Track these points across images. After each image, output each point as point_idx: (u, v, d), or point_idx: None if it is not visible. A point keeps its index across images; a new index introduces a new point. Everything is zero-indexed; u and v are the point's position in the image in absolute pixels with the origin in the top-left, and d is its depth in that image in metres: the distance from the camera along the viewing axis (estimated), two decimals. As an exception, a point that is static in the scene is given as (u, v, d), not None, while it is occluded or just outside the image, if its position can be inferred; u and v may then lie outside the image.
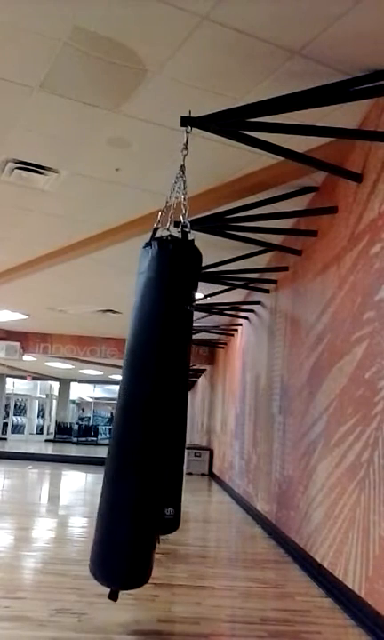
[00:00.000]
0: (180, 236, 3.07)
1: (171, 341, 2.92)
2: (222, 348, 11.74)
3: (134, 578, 2.91)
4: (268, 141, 3.49)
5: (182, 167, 3.11)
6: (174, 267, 2.99)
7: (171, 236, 3.06)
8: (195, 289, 3.17)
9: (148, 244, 3.03)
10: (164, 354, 2.90)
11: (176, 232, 3.12)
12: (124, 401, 2.92)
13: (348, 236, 4.04)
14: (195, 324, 4.26)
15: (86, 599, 3.52)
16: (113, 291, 8.85)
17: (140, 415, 2.87)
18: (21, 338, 13.54)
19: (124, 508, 2.85)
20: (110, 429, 20.55)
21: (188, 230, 3.05)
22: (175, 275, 2.99)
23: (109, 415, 26.57)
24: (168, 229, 3.10)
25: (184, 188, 3.11)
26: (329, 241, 4.52)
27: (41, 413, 24.85)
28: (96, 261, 7.02)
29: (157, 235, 3.09)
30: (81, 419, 25.70)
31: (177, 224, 3.15)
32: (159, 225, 3.13)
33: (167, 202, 3.12)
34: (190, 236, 3.07)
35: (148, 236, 3.11)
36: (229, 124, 3.33)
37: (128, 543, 2.84)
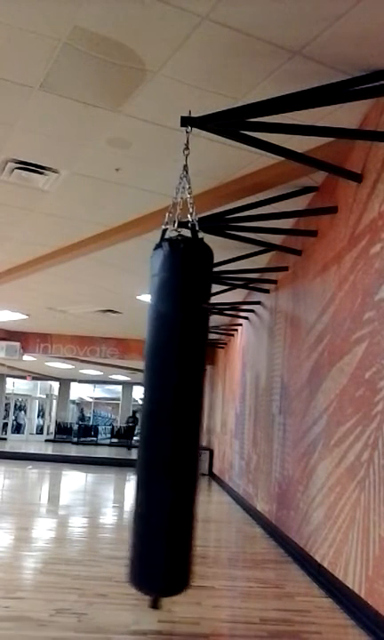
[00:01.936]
0: (189, 235, 3.07)
1: (192, 340, 2.92)
2: (222, 348, 11.74)
3: (175, 583, 2.91)
4: (268, 141, 3.50)
5: (185, 167, 3.12)
6: (188, 265, 2.99)
7: (181, 235, 3.07)
8: (210, 286, 3.17)
9: (159, 246, 3.03)
10: (187, 354, 2.90)
11: (175, 231, 3.12)
12: (149, 405, 2.92)
13: (348, 236, 4.04)
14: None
15: (86, 599, 3.53)
16: (113, 291, 8.85)
17: (168, 417, 2.86)
18: (21, 338, 13.56)
19: (159, 513, 2.84)
20: (110, 430, 20.27)
21: (197, 229, 3.06)
22: (190, 273, 2.99)
23: (110, 415, 26.57)
24: (177, 230, 3.10)
25: (189, 187, 3.11)
26: (329, 241, 4.52)
27: (41, 413, 24.82)
28: (96, 261, 7.02)
29: (165, 235, 3.09)
30: (81, 419, 25.68)
31: (182, 224, 3.15)
32: (167, 226, 3.12)
33: (173, 202, 3.13)
34: (198, 235, 3.08)
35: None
36: (229, 123, 3.33)
37: (165, 548, 2.84)
